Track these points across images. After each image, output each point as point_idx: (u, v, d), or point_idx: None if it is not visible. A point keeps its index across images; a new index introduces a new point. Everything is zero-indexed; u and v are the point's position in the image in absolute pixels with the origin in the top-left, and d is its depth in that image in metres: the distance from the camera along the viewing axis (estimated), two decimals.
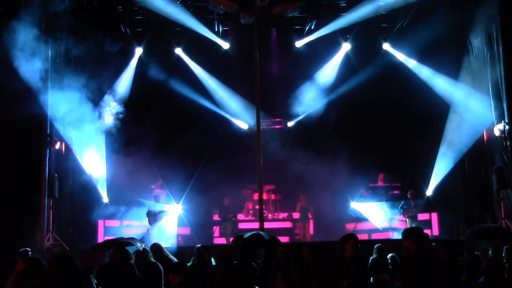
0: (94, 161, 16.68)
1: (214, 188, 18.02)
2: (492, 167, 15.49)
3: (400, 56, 18.63)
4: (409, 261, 6.26)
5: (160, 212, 16.14)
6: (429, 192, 17.50)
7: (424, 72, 18.03)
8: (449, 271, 7.65)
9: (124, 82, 18.60)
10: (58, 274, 4.37)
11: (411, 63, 18.43)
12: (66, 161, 16.20)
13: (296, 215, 18.08)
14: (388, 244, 11.83)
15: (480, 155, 16.41)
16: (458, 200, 17.44)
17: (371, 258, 10.47)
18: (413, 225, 16.03)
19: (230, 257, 8.26)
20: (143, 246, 9.36)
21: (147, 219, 15.93)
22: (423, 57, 17.96)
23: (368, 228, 17.36)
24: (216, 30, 18.52)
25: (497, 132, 15.04)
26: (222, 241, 17.62)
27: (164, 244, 10.53)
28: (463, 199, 17.32)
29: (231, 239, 14.14)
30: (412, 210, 16.37)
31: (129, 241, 9.42)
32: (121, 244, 9.19)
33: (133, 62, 18.71)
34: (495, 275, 9.36)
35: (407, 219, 16.49)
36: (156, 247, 9.77)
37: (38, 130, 14.61)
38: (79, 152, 16.21)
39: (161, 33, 18.59)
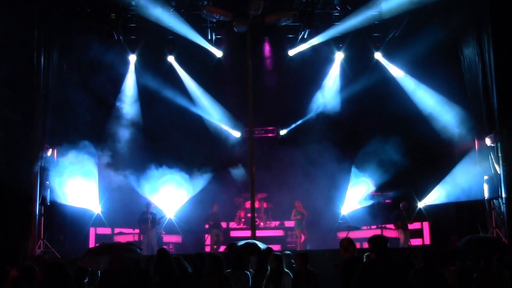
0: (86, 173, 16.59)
1: (206, 195, 17.95)
2: (483, 176, 15.54)
3: (393, 67, 18.72)
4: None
5: (158, 218, 16.12)
6: (421, 204, 17.49)
7: (416, 82, 18.11)
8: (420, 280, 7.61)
9: (129, 89, 18.74)
10: (48, 283, 4.33)
11: (403, 73, 18.52)
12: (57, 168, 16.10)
13: (288, 223, 18.09)
14: None
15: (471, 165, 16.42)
16: (449, 210, 17.47)
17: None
18: (404, 235, 16.12)
19: (221, 265, 8.19)
20: (141, 252, 9.28)
21: (140, 226, 15.85)
22: (416, 67, 18.02)
23: (360, 237, 17.36)
24: (209, 38, 18.52)
25: (488, 142, 15.09)
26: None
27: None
28: (454, 209, 17.37)
29: (223, 247, 14.07)
30: (404, 221, 16.38)
31: (127, 246, 9.29)
32: (121, 249, 9.01)
33: (131, 69, 18.76)
34: (486, 284, 9.36)
35: (398, 229, 16.52)
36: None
37: (30, 137, 14.52)
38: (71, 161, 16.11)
39: (154, 41, 18.58)
